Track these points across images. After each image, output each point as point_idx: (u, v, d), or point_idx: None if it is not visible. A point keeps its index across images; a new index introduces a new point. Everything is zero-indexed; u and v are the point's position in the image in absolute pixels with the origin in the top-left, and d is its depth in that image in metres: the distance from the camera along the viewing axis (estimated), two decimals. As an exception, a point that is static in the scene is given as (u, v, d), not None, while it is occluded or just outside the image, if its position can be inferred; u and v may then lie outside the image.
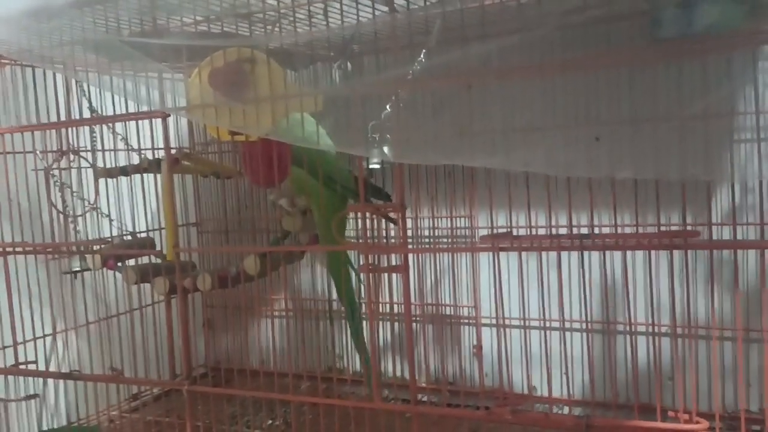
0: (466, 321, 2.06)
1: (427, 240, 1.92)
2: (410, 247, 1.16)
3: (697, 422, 0.94)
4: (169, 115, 1.28)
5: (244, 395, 1.39)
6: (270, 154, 1.28)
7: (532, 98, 1.01)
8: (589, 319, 1.65)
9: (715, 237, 1.47)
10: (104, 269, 1.69)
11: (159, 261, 1.62)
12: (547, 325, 1.15)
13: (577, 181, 1.00)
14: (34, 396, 1.54)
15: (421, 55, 1.28)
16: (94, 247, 1.61)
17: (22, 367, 1.53)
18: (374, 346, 1.18)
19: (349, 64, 1.63)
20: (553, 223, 1.11)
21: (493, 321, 1.96)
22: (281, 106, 1.19)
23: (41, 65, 1.53)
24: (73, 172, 1.91)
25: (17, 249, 1.53)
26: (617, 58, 0.94)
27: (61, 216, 1.82)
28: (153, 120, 1.31)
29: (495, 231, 1.29)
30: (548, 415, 1.00)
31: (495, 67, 1.00)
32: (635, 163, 0.88)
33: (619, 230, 1.07)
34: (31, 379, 1.61)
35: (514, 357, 1.65)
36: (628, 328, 1.51)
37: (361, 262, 1.16)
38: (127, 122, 1.81)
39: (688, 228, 1.03)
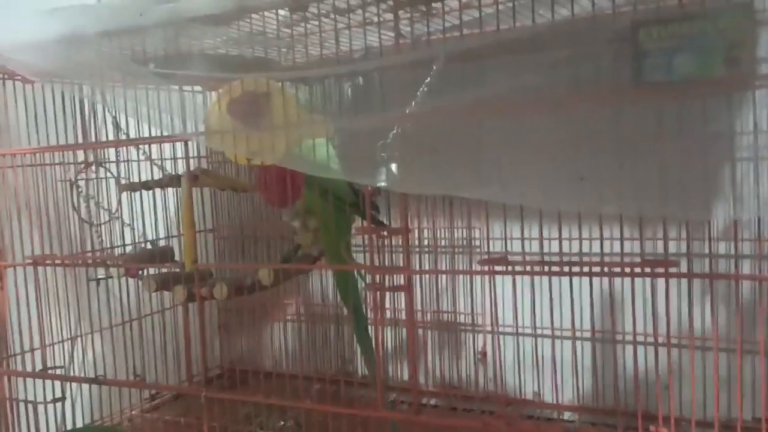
0: (471, 328, 2.14)
1: (428, 250, 2.02)
2: (414, 266, 1.24)
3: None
4: (190, 140, 1.37)
5: (256, 401, 1.47)
6: (284, 176, 1.36)
7: (522, 136, 1.09)
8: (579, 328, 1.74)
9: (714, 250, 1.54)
10: (125, 277, 1.78)
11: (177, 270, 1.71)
12: (555, 333, 1.23)
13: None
14: (62, 398, 1.64)
15: (423, 86, 1.36)
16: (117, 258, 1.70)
17: (51, 371, 1.63)
18: (379, 358, 1.26)
19: (360, 79, 1.71)
20: (546, 235, 1.19)
21: (497, 329, 2.04)
22: (294, 133, 1.28)
23: (69, 89, 1.63)
24: (97, 182, 2.01)
25: (47, 261, 1.63)
26: (602, 99, 1.02)
27: (85, 225, 1.92)
28: (174, 144, 1.40)
29: (490, 241, 1.36)
30: (539, 424, 1.08)
31: (487, 104, 1.09)
32: (618, 200, 0.96)
33: (615, 243, 1.14)
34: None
35: (515, 364, 1.73)
36: (622, 338, 1.59)
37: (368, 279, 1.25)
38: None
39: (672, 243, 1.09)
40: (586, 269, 1.05)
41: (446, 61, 1.14)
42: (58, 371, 1.67)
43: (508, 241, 1.38)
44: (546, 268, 1.08)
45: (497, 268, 1.09)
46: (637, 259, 1.06)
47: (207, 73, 1.32)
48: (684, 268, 1.17)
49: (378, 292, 1.23)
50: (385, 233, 1.22)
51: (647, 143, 0.99)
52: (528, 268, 1.08)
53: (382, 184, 1.16)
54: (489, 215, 1.51)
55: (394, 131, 1.24)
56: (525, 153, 1.04)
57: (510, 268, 1.09)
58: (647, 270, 1.00)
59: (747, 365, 1.69)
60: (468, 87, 1.08)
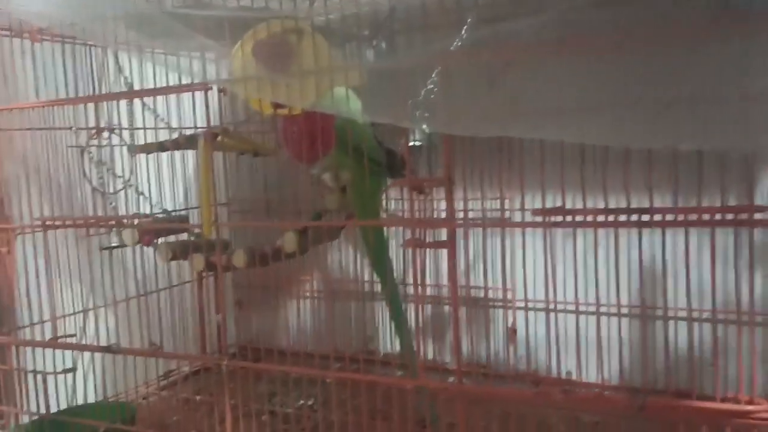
0: (502, 304, 2.03)
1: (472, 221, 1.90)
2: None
3: (758, 403, 0.91)
4: (211, 88, 1.26)
5: (281, 371, 1.37)
6: (313, 128, 1.25)
7: (587, 69, 0.97)
8: (636, 303, 1.63)
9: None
10: (139, 245, 1.68)
11: (193, 238, 1.61)
12: (593, 309, 1.12)
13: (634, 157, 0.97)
14: (72, 369, 1.54)
15: (464, 30, 1.25)
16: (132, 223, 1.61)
17: (61, 340, 1.53)
18: (418, 326, 1.16)
19: (384, 43, 1.60)
20: (608, 204, 1.07)
21: (530, 304, 1.93)
22: (325, 80, 1.17)
23: (82, 38, 1.52)
24: (108, 149, 1.91)
25: (57, 223, 1.53)
26: (679, 33, 0.91)
27: (97, 192, 1.82)
28: (194, 93, 1.29)
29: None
30: (600, 396, 0.97)
31: (547, 41, 0.97)
32: (699, 132, 0.85)
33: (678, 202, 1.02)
34: (68, 353, 1.61)
35: (547, 341, 1.62)
36: (682, 314, 1.47)
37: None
38: (166, 98, 1.80)
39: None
40: (658, 219, 0.94)
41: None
42: (69, 341, 1.58)
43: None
44: (611, 219, 0.96)
45: (555, 219, 0.98)
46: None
47: (227, 13, 1.21)
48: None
49: (418, 250, 1.12)
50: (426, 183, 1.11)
51: (730, 77, 0.87)
52: (590, 219, 0.97)
53: (425, 127, 1.05)
54: (545, 184, 1.39)
55: (436, 74, 1.12)
56: (592, 89, 0.93)
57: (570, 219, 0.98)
58: (729, 217, 0.89)
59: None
60: (524, 18, 0.97)
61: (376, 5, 1.37)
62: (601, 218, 0.96)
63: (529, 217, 1.11)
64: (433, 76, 1.12)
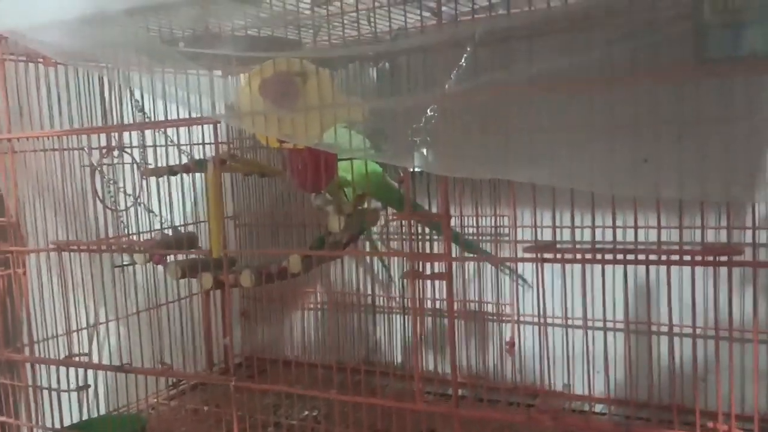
0: (502, 319, 2.09)
1: (470, 237, 1.96)
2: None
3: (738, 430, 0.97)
4: (220, 122, 1.32)
5: (286, 391, 1.43)
6: (317, 160, 1.31)
7: (577, 115, 1.03)
8: (624, 320, 1.68)
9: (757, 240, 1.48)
10: (149, 264, 1.74)
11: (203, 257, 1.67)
12: (588, 325, 1.18)
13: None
14: (86, 387, 1.61)
15: (463, 60, 1.31)
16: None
17: (75, 359, 1.59)
18: (417, 349, 1.22)
19: (387, 64, 1.66)
20: (597, 223, 1.13)
21: (528, 319, 1.99)
22: (329, 116, 1.23)
23: (93, 69, 1.58)
24: (119, 167, 1.97)
25: (72, 247, 1.59)
26: (663, 76, 0.96)
27: (107, 210, 1.88)
28: (203, 126, 1.35)
29: (538, 231, 1.31)
30: (588, 419, 1.03)
31: (540, 82, 1.03)
32: (680, 183, 0.90)
33: (663, 234, 1.08)
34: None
35: (548, 355, 1.68)
36: (665, 330, 1.53)
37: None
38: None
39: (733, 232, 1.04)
40: (641, 257, 1.00)
41: (493, 41, 1.09)
42: (82, 358, 1.64)
43: (538, 230, 1.33)
44: (598, 257, 1.02)
45: (546, 255, 1.04)
46: (687, 248, 1.01)
47: (236, 52, 1.27)
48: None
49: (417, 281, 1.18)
50: (424, 218, 1.17)
51: (711, 123, 0.93)
52: (579, 257, 1.03)
53: (421, 167, 1.11)
54: (517, 204, 1.46)
55: (433, 111, 1.18)
56: (578, 134, 0.99)
57: (560, 256, 1.04)
58: (709, 259, 0.95)
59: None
60: (517, 65, 1.02)
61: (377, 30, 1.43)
62: (589, 256, 1.02)
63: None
64: (429, 112, 1.18)
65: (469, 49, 1.30)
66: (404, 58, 1.40)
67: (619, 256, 1.00)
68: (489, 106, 1.08)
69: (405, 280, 2.06)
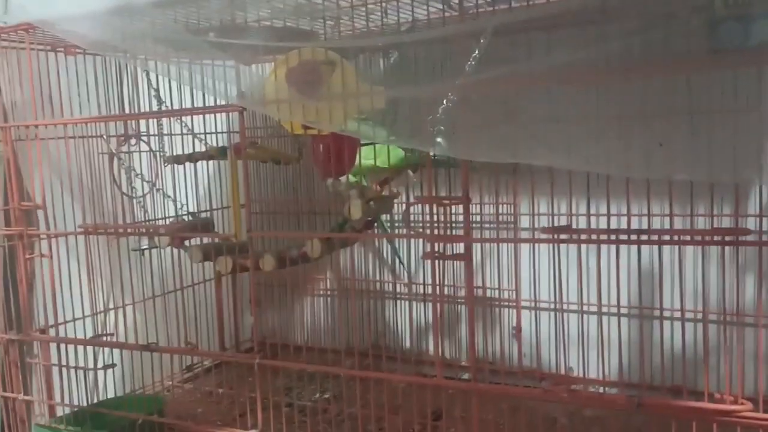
0: (507, 304, 2.15)
1: (487, 226, 2.01)
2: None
3: (742, 403, 1.03)
4: (245, 109, 1.38)
5: (309, 369, 1.49)
6: (340, 146, 1.37)
7: (592, 101, 1.08)
8: (635, 305, 1.74)
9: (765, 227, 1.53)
10: (170, 247, 1.80)
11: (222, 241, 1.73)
12: (595, 310, 1.23)
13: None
14: (113, 365, 1.66)
15: (481, 50, 1.36)
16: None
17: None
18: (437, 329, 1.27)
19: (397, 54, 1.71)
20: (611, 211, 1.18)
21: (543, 305, 2.04)
22: (353, 104, 1.28)
23: (121, 58, 1.63)
24: (137, 154, 2.02)
25: (99, 230, 1.65)
26: (676, 67, 1.02)
27: (126, 197, 1.93)
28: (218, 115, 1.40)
29: (555, 218, 1.36)
30: (602, 395, 1.09)
31: (557, 73, 1.08)
32: (691, 166, 0.96)
33: (675, 220, 1.14)
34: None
35: (553, 339, 1.73)
36: (677, 315, 1.58)
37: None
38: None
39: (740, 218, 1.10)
40: (654, 238, 1.05)
41: (511, 32, 1.14)
42: (108, 339, 1.69)
43: (555, 218, 1.38)
44: (613, 237, 1.08)
45: (563, 236, 1.10)
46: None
47: (262, 42, 1.32)
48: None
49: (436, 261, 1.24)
50: (446, 202, 1.22)
51: (721, 112, 0.98)
52: (594, 237, 1.08)
53: (442, 152, 1.16)
54: (535, 192, 1.51)
55: (450, 101, 1.23)
56: (594, 122, 1.04)
57: (576, 237, 1.10)
58: (717, 238, 1.01)
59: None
60: (536, 56, 1.07)
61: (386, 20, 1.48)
62: (603, 236, 1.08)
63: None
64: (448, 100, 1.23)
65: (485, 39, 1.34)
66: (423, 48, 1.45)
67: (633, 237, 1.06)
68: (509, 96, 1.13)
69: (418, 265, 2.13)
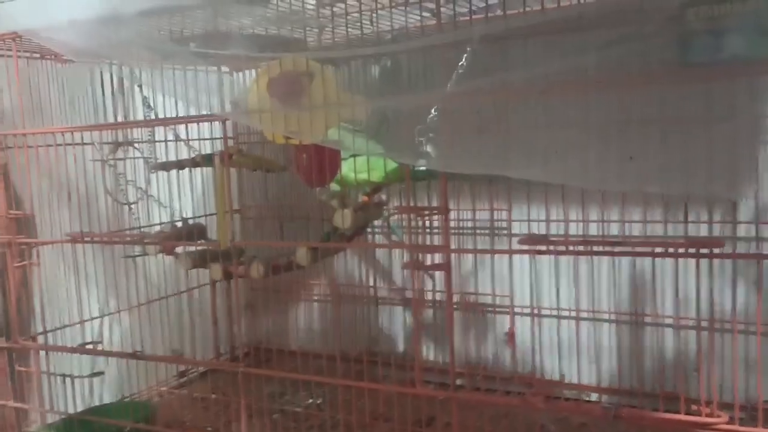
0: (500, 310, 2.15)
1: (468, 232, 2.01)
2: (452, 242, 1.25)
3: (718, 416, 1.03)
4: (228, 119, 1.38)
5: (292, 377, 1.49)
6: (321, 156, 1.37)
7: (569, 115, 1.09)
8: (617, 311, 1.74)
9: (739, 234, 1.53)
10: (161, 254, 1.80)
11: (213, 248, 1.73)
12: (580, 315, 1.24)
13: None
14: (101, 373, 1.67)
15: (463, 61, 1.36)
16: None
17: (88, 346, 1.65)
18: (417, 335, 1.28)
19: (389, 62, 1.71)
20: (588, 217, 1.19)
21: (526, 310, 2.04)
22: (334, 114, 1.28)
23: (105, 68, 1.64)
24: (128, 161, 2.02)
25: (86, 238, 1.65)
26: (649, 79, 1.02)
27: (117, 204, 1.94)
28: (212, 123, 1.41)
29: (532, 225, 1.37)
30: (579, 404, 1.09)
31: (535, 83, 1.08)
32: (664, 179, 0.96)
33: (650, 226, 1.14)
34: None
35: (544, 345, 1.73)
36: (657, 321, 1.59)
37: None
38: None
39: (715, 225, 1.10)
40: (629, 249, 1.05)
41: (490, 41, 1.14)
42: (93, 347, 1.70)
43: (532, 224, 1.38)
44: (588, 249, 1.08)
45: (539, 248, 1.10)
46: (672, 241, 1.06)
47: (245, 52, 1.32)
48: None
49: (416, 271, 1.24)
50: (425, 212, 1.22)
51: (694, 124, 0.98)
52: (570, 248, 1.09)
53: (423, 164, 1.17)
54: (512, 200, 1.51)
55: (434, 112, 1.24)
56: (570, 133, 1.04)
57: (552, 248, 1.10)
58: (691, 251, 1.01)
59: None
60: (514, 66, 1.08)
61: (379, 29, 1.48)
62: (579, 248, 1.08)
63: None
64: (433, 112, 1.23)
65: (468, 49, 1.35)
66: (405, 58, 1.45)
67: (608, 248, 1.06)
68: (486, 106, 1.14)
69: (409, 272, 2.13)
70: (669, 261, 1.09)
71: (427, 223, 1.50)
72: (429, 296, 2.17)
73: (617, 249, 1.07)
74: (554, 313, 1.27)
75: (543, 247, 1.11)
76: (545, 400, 1.14)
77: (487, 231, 1.90)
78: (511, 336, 2.13)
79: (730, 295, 1.52)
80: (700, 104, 1.00)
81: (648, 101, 1.02)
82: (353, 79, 1.50)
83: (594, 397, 1.95)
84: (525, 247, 1.13)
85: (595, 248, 1.06)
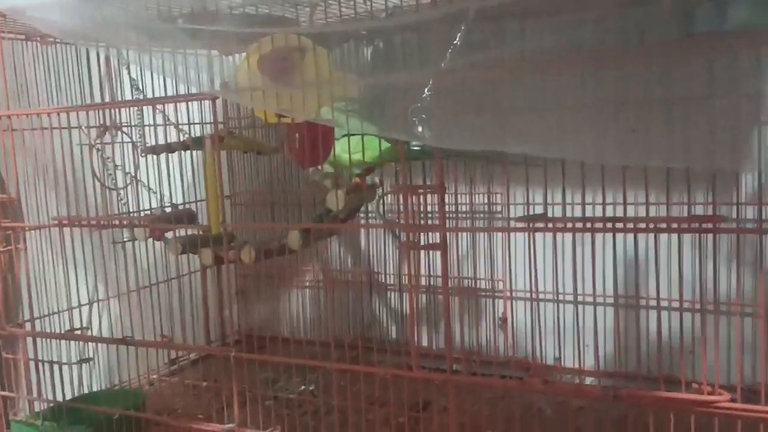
0: (495, 294, 2.13)
1: (464, 215, 1.99)
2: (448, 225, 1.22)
3: (720, 393, 1.01)
4: (218, 97, 1.35)
5: (284, 362, 1.47)
6: (314, 135, 1.34)
7: (567, 89, 1.06)
8: (613, 293, 1.72)
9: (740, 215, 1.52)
10: (150, 240, 1.77)
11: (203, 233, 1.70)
12: (578, 299, 1.22)
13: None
14: (89, 359, 1.64)
15: (457, 38, 1.33)
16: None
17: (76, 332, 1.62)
18: (412, 320, 1.25)
19: (381, 43, 1.68)
20: (587, 200, 1.16)
21: (521, 294, 2.03)
22: (326, 91, 1.25)
23: (93, 47, 1.60)
24: (116, 146, 1.99)
25: (74, 222, 1.62)
26: (650, 52, 0.99)
27: (106, 188, 1.90)
28: (202, 102, 1.37)
29: (530, 207, 1.34)
30: (578, 386, 1.07)
31: (532, 60, 1.05)
32: (666, 152, 0.94)
33: (651, 208, 1.12)
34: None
35: (540, 329, 1.71)
36: (654, 303, 1.57)
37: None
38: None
39: (717, 207, 1.09)
40: (630, 226, 1.03)
41: (488, 18, 1.11)
42: (83, 333, 1.67)
43: (531, 207, 1.36)
44: (588, 226, 1.06)
45: (538, 225, 1.08)
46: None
47: (234, 29, 1.29)
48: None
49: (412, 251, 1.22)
50: (421, 191, 1.20)
51: (696, 98, 0.96)
52: (570, 226, 1.06)
53: (417, 140, 1.14)
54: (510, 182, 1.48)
55: (429, 89, 1.21)
56: (569, 109, 1.02)
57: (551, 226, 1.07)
58: (694, 226, 0.99)
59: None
60: (510, 44, 1.05)
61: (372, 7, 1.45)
62: (579, 225, 1.06)
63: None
64: (427, 90, 1.20)
65: (463, 27, 1.32)
66: (399, 35, 1.42)
67: (609, 225, 1.04)
68: (483, 83, 1.11)
69: (402, 255, 2.10)
70: (671, 243, 1.07)
71: (422, 204, 1.47)
72: (424, 281, 2.17)
73: (618, 226, 1.04)
74: (551, 296, 1.24)
75: (542, 225, 1.08)
76: (544, 382, 1.12)
77: (482, 214, 1.88)
78: (504, 321, 2.12)
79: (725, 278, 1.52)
80: (702, 78, 0.98)
81: (650, 76, 0.99)
82: (345, 60, 1.47)
83: (589, 381, 1.94)
84: (522, 225, 1.10)
85: (596, 226, 1.04)
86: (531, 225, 1.09)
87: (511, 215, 1.93)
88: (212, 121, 1.47)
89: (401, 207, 1.27)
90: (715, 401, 1.01)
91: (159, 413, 1.76)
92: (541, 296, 1.40)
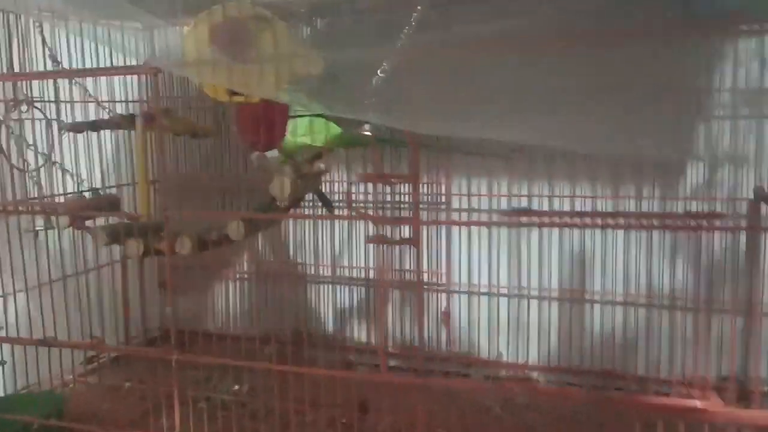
0: (437, 288, 2.06)
1: (405, 206, 1.91)
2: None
3: (708, 398, 0.97)
4: (161, 71, 1.20)
5: (231, 364, 1.35)
6: (271, 116, 1.22)
7: (539, 78, 1.00)
8: (570, 288, 1.70)
9: (680, 210, 1.51)
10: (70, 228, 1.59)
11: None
12: (523, 293, 1.18)
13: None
14: (3, 363, 1.46)
15: (412, 18, 1.24)
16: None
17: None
18: (382, 315, 1.16)
19: (344, 18, 1.57)
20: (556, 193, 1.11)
21: (465, 288, 1.97)
22: (286, 67, 1.13)
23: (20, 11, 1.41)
24: (28, 123, 1.78)
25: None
26: (642, 35, 0.94)
27: (16, 170, 1.71)
28: (140, 77, 1.22)
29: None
30: (562, 389, 1.01)
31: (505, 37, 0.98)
32: (615, 140, 0.90)
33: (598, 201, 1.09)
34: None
35: (482, 324, 1.66)
36: (610, 299, 1.55)
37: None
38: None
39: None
40: (620, 222, 0.98)
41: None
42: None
43: (494, 199, 1.31)
44: (557, 220, 1.00)
45: (523, 219, 1.00)
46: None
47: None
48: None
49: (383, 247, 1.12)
50: (394, 180, 1.10)
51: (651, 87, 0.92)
52: (555, 220, 1.00)
53: (382, 121, 1.04)
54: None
55: (389, 66, 1.11)
56: (543, 93, 0.95)
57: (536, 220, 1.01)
58: (691, 223, 0.94)
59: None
60: (474, 24, 0.98)
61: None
62: (566, 219, 1.00)
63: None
64: (383, 65, 1.10)
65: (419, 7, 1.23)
66: (362, 11, 1.32)
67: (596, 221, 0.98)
68: (451, 63, 1.03)
69: (342, 247, 2.00)
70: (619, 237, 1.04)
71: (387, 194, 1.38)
72: (363, 273, 2.07)
73: (599, 221, 0.99)
74: (494, 291, 1.20)
75: (526, 219, 1.01)
76: (520, 383, 1.05)
77: (435, 206, 1.80)
78: (446, 315, 2.06)
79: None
80: (653, 69, 0.93)
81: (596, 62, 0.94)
82: (306, 33, 1.35)
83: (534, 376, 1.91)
84: (504, 219, 1.03)
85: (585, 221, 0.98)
86: (514, 219, 1.02)
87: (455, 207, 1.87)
88: (150, 97, 1.31)
89: (365, 197, 1.17)
90: (709, 408, 0.96)
91: (82, 420, 1.59)
92: (492, 291, 1.36)
